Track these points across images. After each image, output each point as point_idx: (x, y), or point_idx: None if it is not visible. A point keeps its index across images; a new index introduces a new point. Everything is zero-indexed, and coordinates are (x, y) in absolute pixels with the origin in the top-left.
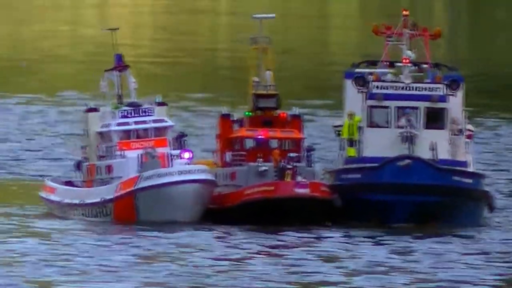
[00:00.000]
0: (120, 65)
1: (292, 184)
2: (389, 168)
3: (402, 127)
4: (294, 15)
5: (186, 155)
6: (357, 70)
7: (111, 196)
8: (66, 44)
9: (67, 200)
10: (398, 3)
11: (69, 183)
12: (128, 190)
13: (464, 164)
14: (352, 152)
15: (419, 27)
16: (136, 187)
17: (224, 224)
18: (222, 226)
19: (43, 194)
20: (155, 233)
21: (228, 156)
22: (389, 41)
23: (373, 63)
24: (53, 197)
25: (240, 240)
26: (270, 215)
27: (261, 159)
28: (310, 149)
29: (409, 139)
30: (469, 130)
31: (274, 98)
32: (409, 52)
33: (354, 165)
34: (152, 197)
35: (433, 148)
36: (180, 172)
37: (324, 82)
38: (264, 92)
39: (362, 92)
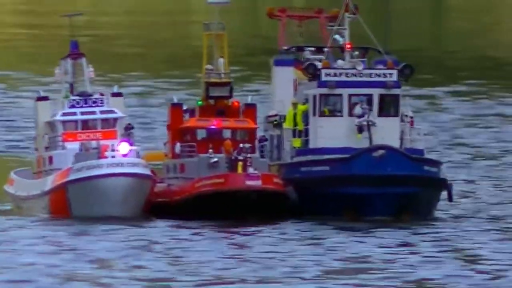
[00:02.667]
0: (75, 52)
1: (243, 176)
2: (362, 159)
3: (357, 116)
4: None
5: (123, 147)
6: (285, 57)
7: (47, 188)
8: None
9: (19, 193)
10: None
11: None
12: (60, 182)
13: (423, 152)
14: (297, 143)
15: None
16: (67, 179)
17: (174, 218)
18: (171, 220)
19: (5, 187)
20: (90, 230)
21: (178, 147)
22: (331, 25)
23: (300, 49)
24: (10, 190)
25: (191, 234)
26: (221, 208)
27: (212, 150)
28: (263, 140)
29: (368, 128)
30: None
31: (227, 87)
32: (337, 36)
33: (317, 157)
34: (83, 190)
35: (400, 137)
36: (110, 165)
37: None
38: (217, 80)
39: (312, 80)
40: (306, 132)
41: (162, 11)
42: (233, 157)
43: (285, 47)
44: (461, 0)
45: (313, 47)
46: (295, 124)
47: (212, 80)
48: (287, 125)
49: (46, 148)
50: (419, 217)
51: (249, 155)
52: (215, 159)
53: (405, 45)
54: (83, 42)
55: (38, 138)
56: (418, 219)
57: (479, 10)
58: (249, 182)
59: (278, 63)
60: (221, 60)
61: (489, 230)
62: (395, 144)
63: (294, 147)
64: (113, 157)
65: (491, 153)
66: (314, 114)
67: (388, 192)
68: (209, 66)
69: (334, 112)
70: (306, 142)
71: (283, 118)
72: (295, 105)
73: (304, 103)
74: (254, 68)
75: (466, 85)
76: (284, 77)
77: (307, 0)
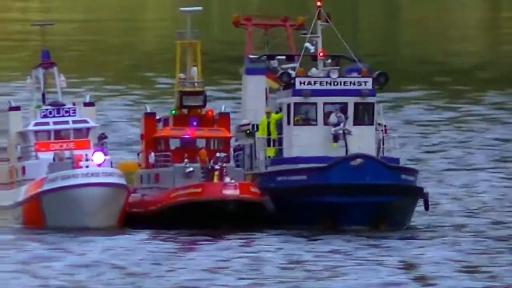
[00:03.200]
0: (46, 61)
1: (220, 186)
2: (340, 168)
3: (332, 124)
4: None
5: (97, 156)
6: (256, 65)
7: (21, 199)
8: None
9: None
10: None
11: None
12: (33, 192)
13: (398, 160)
14: (271, 152)
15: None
16: (40, 190)
17: (149, 228)
18: (146, 231)
19: None
20: (65, 238)
21: (152, 156)
22: (304, 33)
23: (270, 57)
24: None
25: (168, 244)
26: (198, 218)
27: (187, 160)
28: (238, 149)
29: (344, 137)
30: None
31: (201, 96)
32: (308, 44)
33: (293, 166)
34: (57, 201)
35: (378, 146)
36: (85, 175)
37: None
38: (190, 89)
39: (286, 88)
40: (280, 141)
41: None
42: (209, 167)
43: (255, 56)
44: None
45: (284, 55)
46: (269, 133)
47: (186, 89)
48: (261, 134)
49: (19, 158)
50: (395, 226)
51: (224, 165)
52: (191, 169)
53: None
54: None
55: (10, 148)
56: (394, 228)
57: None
58: (226, 192)
59: (250, 71)
60: (195, 69)
61: (444, 239)
62: (371, 152)
63: (268, 156)
64: (87, 167)
65: (464, 159)
66: (288, 123)
67: (366, 201)
68: (182, 75)
69: (309, 121)
70: (280, 151)
71: (255, 127)
72: (268, 114)
73: (277, 112)
74: (224, 76)
75: (436, 89)
76: (256, 86)
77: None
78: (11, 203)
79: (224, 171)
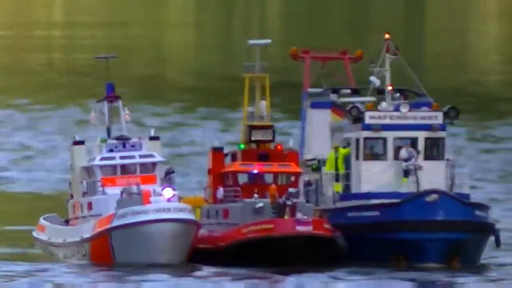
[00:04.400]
0: (111, 95)
1: (293, 222)
2: (414, 204)
3: (403, 159)
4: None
5: (167, 192)
6: (321, 99)
7: (88, 235)
8: None
9: (53, 239)
10: None
11: (67, 222)
12: (102, 228)
13: (468, 196)
14: (338, 187)
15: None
16: (111, 226)
17: (217, 265)
18: (215, 268)
19: (35, 233)
20: (136, 277)
21: (220, 192)
22: (372, 66)
23: (335, 91)
24: (42, 236)
25: (238, 283)
26: (269, 255)
27: (257, 195)
28: (308, 184)
29: (415, 172)
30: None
31: (269, 130)
32: (373, 78)
33: (364, 202)
34: (128, 237)
35: (451, 181)
36: (156, 210)
37: None
38: (260, 123)
39: (355, 123)
40: (347, 177)
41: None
42: (281, 202)
43: (321, 89)
44: None
45: (349, 88)
46: (336, 168)
47: (255, 123)
48: (328, 169)
49: (84, 193)
50: (467, 263)
51: (295, 200)
52: (261, 204)
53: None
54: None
55: (74, 183)
56: (467, 265)
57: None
58: (300, 228)
59: (315, 105)
60: (264, 102)
61: None
62: (442, 188)
63: (336, 192)
64: (158, 202)
65: None
66: (357, 158)
67: (442, 238)
68: (250, 109)
69: (378, 156)
70: (347, 186)
71: (322, 162)
72: (336, 148)
73: (344, 147)
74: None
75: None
76: (321, 120)
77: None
78: (77, 239)
79: (296, 207)
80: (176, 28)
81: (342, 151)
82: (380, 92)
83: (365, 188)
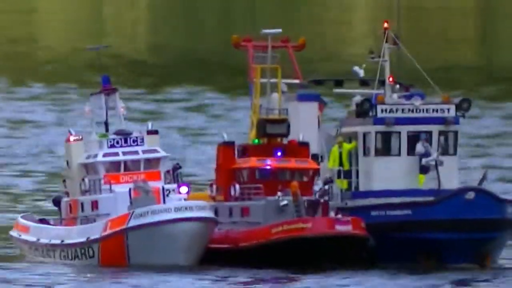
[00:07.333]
0: (108, 87)
1: (332, 221)
2: (451, 202)
3: (419, 155)
4: None
5: (184, 189)
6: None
7: (97, 236)
8: None
9: (44, 240)
10: None
11: (43, 221)
12: (118, 228)
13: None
14: (344, 184)
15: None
16: (128, 226)
17: (238, 266)
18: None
19: (14, 233)
20: (153, 279)
21: (237, 189)
22: (372, 57)
23: (319, 82)
24: (26, 237)
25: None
26: (303, 255)
27: (280, 193)
28: (328, 181)
29: (436, 168)
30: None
31: (284, 124)
32: (357, 68)
33: (383, 200)
34: (146, 237)
35: (483, 177)
36: (178, 209)
37: None
38: (275, 117)
39: (361, 116)
40: (351, 173)
41: None
42: (314, 200)
43: (305, 81)
44: None
45: (332, 80)
46: (341, 164)
47: (270, 117)
48: (331, 165)
49: (86, 192)
50: (496, 262)
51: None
52: (285, 202)
53: None
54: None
55: (70, 181)
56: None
57: None
58: (339, 227)
59: (302, 98)
60: (276, 95)
61: None
62: (456, 185)
63: (344, 189)
64: (175, 200)
65: None
66: (366, 154)
67: (477, 237)
68: (261, 102)
69: (391, 151)
70: (352, 183)
71: (319, 157)
72: (340, 143)
73: (345, 141)
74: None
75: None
76: (309, 114)
77: None
78: (82, 240)
79: (328, 205)
80: None
81: (347, 146)
82: (363, 83)
83: (377, 185)
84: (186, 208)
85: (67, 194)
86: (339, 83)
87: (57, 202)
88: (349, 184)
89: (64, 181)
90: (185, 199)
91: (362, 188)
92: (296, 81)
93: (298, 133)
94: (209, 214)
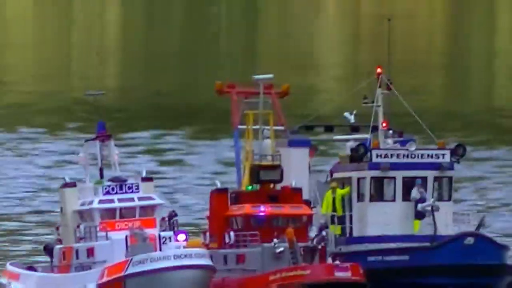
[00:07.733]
0: (103, 134)
1: (331, 267)
2: (452, 247)
3: (415, 200)
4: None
5: (181, 237)
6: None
7: (94, 283)
8: None
9: None
10: None
11: (30, 268)
12: (116, 276)
13: None
14: (338, 230)
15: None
16: (126, 273)
17: None
18: None
19: (4, 281)
20: None
21: (231, 236)
22: (365, 103)
23: (309, 128)
24: (17, 285)
25: None
26: None
27: (276, 239)
28: (324, 227)
29: (433, 213)
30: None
31: (278, 170)
32: (347, 114)
33: (379, 246)
34: (145, 284)
35: (482, 222)
36: (177, 257)
37: None
38: (269, 163)
39: (356, 161)
40: (343, 219)
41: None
42: (312, 246)
43: (296, 126)
44: None
45: (322, 125)
46: (334, 209)
47: (264, 163)
48: (325, 210)
49: (81, 239)
50: None
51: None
52: (281, 249)
53: None
54: None
55: (64, 228)
56: None
57: None
58: (338, 274)
59: (293, 144)
60: (268, 141)
61: None
62: (453, 230)
63: (337, 235)
64: (172, 248)
65: None
66: (360, 199)
67: (478, 283)
68: (252, 148)
69: (385, 197)
70: (345, 229)
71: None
72: (334, 189)
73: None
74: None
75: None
76: (300, 159)
77: None
78: None
79: (326, 251)
80: None
81: (340, 191)
82: (354, 129)
83: (371, 231)
84: (185, 256)
85: (59, 241)
86: (329, 129)
87: (49, 249)
88: (343, 229)
89: (57, 228)
90: (184, 247)
91: (356, 233)
92: (281, 127)
93: (289, 178)
94: (208, 261)
